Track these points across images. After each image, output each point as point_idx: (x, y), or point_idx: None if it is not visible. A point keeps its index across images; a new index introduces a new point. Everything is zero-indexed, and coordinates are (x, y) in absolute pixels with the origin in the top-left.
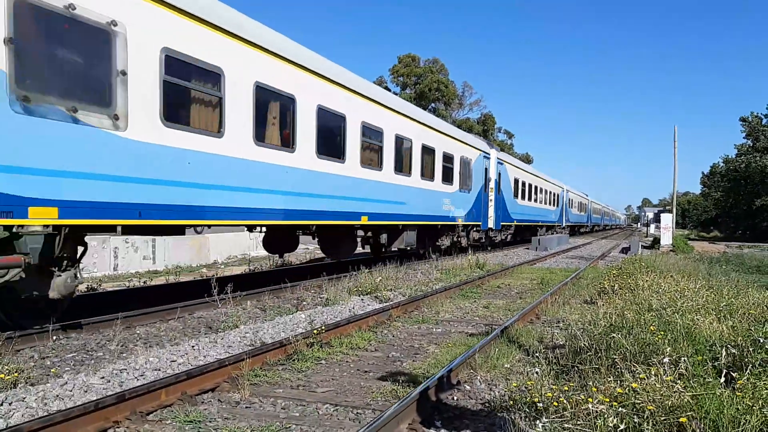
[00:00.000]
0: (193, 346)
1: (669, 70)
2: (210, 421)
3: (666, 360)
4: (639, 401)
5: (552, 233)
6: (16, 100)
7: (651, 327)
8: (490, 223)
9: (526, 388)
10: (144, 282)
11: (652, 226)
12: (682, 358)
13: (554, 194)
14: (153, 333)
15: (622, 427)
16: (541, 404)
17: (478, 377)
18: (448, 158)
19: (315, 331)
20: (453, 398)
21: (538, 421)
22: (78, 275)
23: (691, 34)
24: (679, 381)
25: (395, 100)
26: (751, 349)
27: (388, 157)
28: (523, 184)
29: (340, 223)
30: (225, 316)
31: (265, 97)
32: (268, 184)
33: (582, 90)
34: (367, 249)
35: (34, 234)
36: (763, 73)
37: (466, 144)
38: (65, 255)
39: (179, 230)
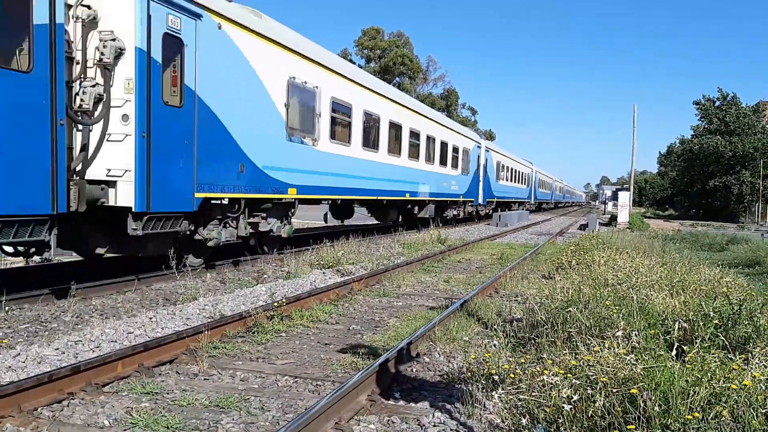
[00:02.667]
0: (150, 318)
1: (629, 50)
2: (167, 393)
3: (620, 333)
4: (592, 373)
5: (523, 208)
6: (286, 133)
7: (606, 302)
8: (480, 200)
9: (483, 360)
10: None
11: (610, 204)
12: (635, 332)
13: (526, 175)
14: (109, 305)
15: (575, 398)
16: (497, 376)
17: (437, 349)
18: (455, 149)
19: (275, 304)
20: (412, 370)
21: (494, 392)
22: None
23: (652, 16)
24: (631, 354)
25: (429, 111)
26: (701, 324)
27: (422, 151)
28: (503, 167)
29: (395, 199)
30: (184, 288)
31: (367, 119)
32: (369, 173)
33: (544, 68)
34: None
35: (288, 202)
36: (716, 56)
37: (468, 138)
38: (292, 213)
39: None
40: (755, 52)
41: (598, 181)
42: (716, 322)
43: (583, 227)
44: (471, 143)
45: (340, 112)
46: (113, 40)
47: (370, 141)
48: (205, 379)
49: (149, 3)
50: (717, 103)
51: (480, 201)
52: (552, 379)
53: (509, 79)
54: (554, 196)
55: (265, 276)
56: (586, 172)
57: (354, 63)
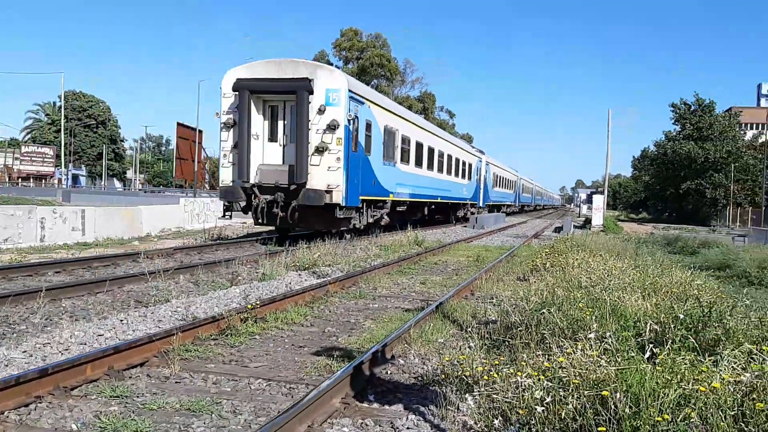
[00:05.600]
0: (121, 320)
1: (605, 57)
2: (138, 396)
3: (592, 336)
4: (565, 375)
5: (510, 209)
6: (383, 160)
7: (580, 304)
8: (480, 203)
9: (458, 362)
10: (72, 254)
11: (585, 207)
12: (608, 334)
13: (513, 182)
14: (80, 306)
15: (548, 399)
16: (471, 378)
17: (412, 352)
18: (465, 164)
19: (249, 306)
20: (387, 372)
21: (467, 395)
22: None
23: (626, 22)
24: (604, 356)
25: (455, 139)
26: (672, 326)
27: (449, 167)
28: (497, 176)
29: (435, 201)
30: (156, 290)
31: (417, 146)
32: (419, 182)
33: (522, 72)
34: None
35: (386, 204)
36: (690, 63)
37: (472, 154)
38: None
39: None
40: (728, 59)
41: (573, 184)
42: (687, 324)
43: (558, 230)
44: (474, 158)
45: (405, 142)
46: (334, 119)
47: (421, 161)
48: (176, 383)
49: (349, 104)
50: (693, 108)
51: (480, 204)
52: (525, 381)
53: (487, 83)
54: (534, 200)
55: (239, 278)
56: (561, 176)
57: (332, 64)
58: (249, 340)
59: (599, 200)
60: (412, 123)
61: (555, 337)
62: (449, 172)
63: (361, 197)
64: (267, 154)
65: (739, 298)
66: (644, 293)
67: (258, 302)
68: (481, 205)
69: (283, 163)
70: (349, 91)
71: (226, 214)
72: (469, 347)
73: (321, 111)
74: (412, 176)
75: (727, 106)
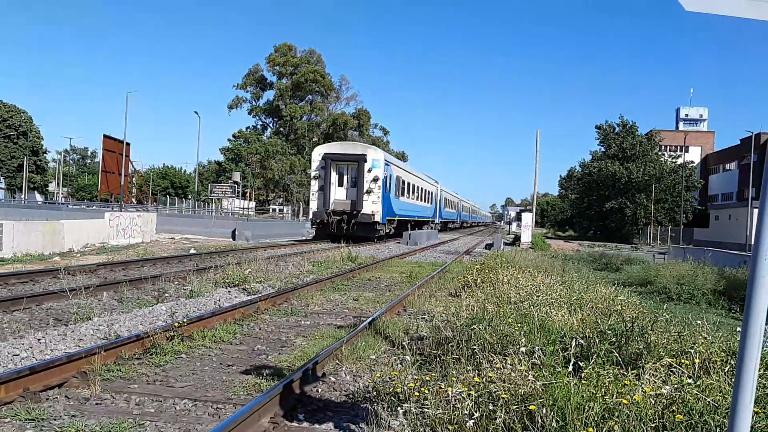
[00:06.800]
0: (39, 340)
1: (534, 75)
2: (55, 419)
3: (522, 350)
4: (494, 390)
5: (454, 225)
6: (395, 195)
7: (509, 319)
8: (437, 220)
9: (390, 378)
10: None
11: (514, 224)
12: (536, 349)
13: (455, 203)
14: None
15: (477, 414)
16: (402, 394)
17: (344, 369)
18: (430, 193)
19: (176, 324)
20: (317, 390)
21: (399, 409)
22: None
23: (554, 41)
24: (532, 370)
25: (425, 175)
26: (597, 340)
27: (422, 196)
28: (446, 200)
29: (421, 219)
30: (77, 308)
31: (410, 185)
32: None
33: (453, 90)
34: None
35: (392, 222)
36: (618, 85)
37: (433, 184)
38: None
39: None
40: (649, 83)
41: (503, 202)
42: (611, 338)
43: (488, 246)
44: (434, 187)
45: (404, 183)
46: (376, 175)
47: (419, 196)
48: (97, 404)
49: (386, 168)
50: (617, 129)
51: (437, 221)
52: (455, 396)
53: (420, 101)
54: (472, 217)
55: (166, 295)
56: (491, 193)
57: (266, 79)
58: (175, 359)
59: (528, 218)
60: (408, 172)
61: (485, 352)
62: (422, 200)
63: (386, 218)
64: (338, 194)
65: (660, 313)
66: (571, 308)
67: (185, 320)
68: (437, 221)
69: (347, 199)
70: (384, 161)
71: (313, 226)
72: (401, 363)
73: (369, 171)
74: (406, 204)
75: (647, 129)
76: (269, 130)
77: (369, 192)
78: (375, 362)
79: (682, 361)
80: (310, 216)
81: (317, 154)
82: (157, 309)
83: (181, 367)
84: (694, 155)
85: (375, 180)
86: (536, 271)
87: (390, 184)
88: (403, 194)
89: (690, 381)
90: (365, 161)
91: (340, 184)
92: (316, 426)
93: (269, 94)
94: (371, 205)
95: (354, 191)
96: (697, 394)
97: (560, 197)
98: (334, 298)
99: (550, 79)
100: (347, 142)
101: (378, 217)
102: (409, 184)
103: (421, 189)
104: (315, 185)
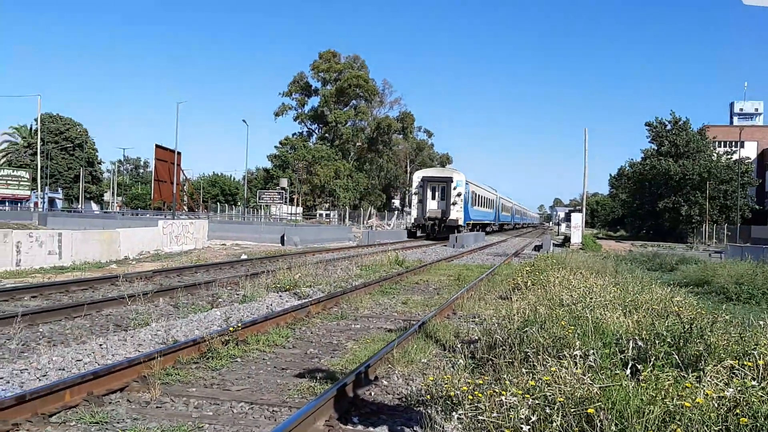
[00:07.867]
0: (100, 345)
1: (580, 74)
2: (117, 422)
3: (576, 353)
4: (550, 393)
5: (508, 227)
6: (471, 205)
7: (562, 322)
8: (496, 223)
9: (442, 382)
10: (49, 278)
11: (563, 225)
12: (591, 352)
13: (510, 207)
14: (57, 331)
15: (533, 418)
16: (456, 398)
17: (396, 372)
18: (491, 200)
19: (231, 329)
20: (371, 394)
21: (453, 413)
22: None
23: (602, 38)
24: (588, 373)
25: (486, 185)
26: (654, 342)
27: (485, 203)
28: (503, 205)
29: (486, 222)
30: (135, 313)
31: (483, 198)
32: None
33: (499, 91)
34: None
35: (468, 226)
36: (667, 81)
37: (494, 192)
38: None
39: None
40: (701, 77)
41: (551, 202)
42: (669, 340)
43: (537, 248)
44: (494, 195)
45: (475, 195)
46: (459, 191)
47: (485, 204)
48: (157, 407)
49: (466, 186)
50: (668, 126)
51: (496, 223)
52: (510, 400)
53: (465, 103)
54: (514, 218)
55: (220, 300)
56: (539, 194)
57: (310, 86)
58: (230, 363)
59: (578, 218)
60: (478, 186)
61: (539, 356)
62: (487, 207)
63: (465, 222)
64: (431, 205)
65: (719, 314)
66: (625, 310)
67: (239, 324)
68: (496, 224)
69: (437, 209)
70: (465, 181)
71: (412, 231)
72: (453, 367)
73: (454, 188)
74: (477, 211)
75: (699, 125)
76: (314, 136)
77: (454, 204)
78: (426, 366)
79: (745, 363)
80: (411, 221)
81: (417, 177)
82: (212, 314)
83: (236, 370)
84: (750, 151)
85: (459, 195)
86: (588, 272)
87: (468, 197)
88: (475, 204)
89: (754, 383)
90: (452, 182)
91: (433, 198)
92: (371, 429)
93: (314, 101)
94: (456, 213)
95: (443, 203)
96: (761, 397)
97: (611, 197)
98: (383, 301)
99: (598, 75)
100: (438, 168)
101: (461, 222)
102: (478, 195)
103: (486, 198)
104: (415, 199)
